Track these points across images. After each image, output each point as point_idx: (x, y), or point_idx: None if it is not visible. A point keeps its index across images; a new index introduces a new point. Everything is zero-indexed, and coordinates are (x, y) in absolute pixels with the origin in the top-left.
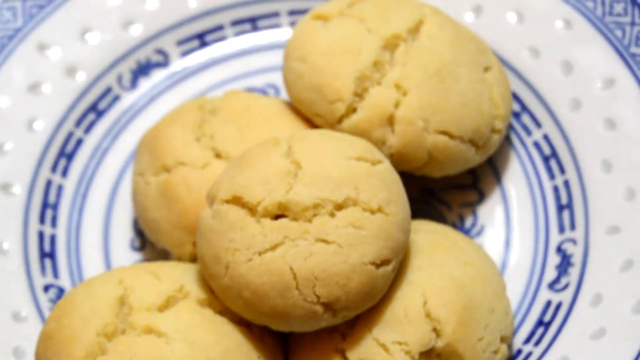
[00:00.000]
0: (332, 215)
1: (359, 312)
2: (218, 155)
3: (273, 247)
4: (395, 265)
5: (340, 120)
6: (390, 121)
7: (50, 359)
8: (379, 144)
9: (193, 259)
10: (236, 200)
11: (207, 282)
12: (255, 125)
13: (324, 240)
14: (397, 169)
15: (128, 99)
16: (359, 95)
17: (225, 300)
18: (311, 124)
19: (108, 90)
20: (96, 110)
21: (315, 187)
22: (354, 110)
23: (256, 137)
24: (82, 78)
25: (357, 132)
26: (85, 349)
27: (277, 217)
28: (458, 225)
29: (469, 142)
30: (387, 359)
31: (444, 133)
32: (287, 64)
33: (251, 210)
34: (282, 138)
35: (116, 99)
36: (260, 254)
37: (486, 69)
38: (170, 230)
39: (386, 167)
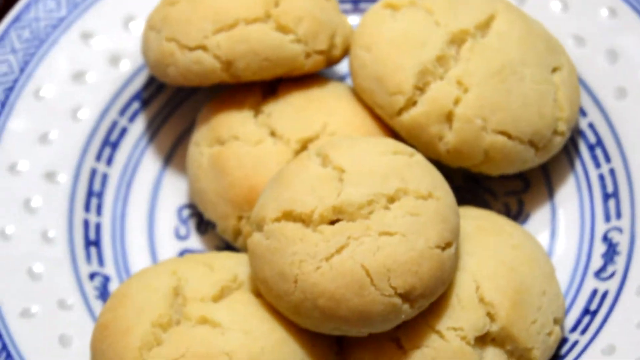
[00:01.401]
0: (386, 208)
1: (433, 299)
2: (273, 134)
3: (339, 250)
4: (457, 247)
5: (399, 112)
6: (449, 117)
7: (106, 349)
8: (436, 139)
9: (236, 232)
10: (288, 216)
11: (273, 305)
12: (314, 108)
13: (387, 233)
14: (453, 166)
15: (172, 87)
16: (420, 89)
17: (297, 317)
18: (371, 112)
19: (152, 79)
20: (140, 99)
21: (364, 185)
22: (414, 103)
23: (313, 119)
24: (126, 67)
25: (415, 126)
26: (140, 339)
27: (332, 222)
28: (503, 213)
29: (528, 143)
30: (443, 345)
31: (502, 133)
32: (353, 51)
33: (305, 221)
34: (312, 150)
35: (160, 87)
36: (327, 259)
37: (554, 70)
38: (216, 202)
39: (421, 157)
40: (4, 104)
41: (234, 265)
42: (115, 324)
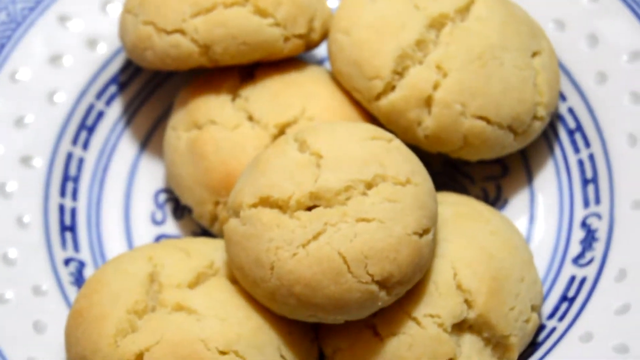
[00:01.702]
0: (364, 194)
1: (411, 287)
2: (250, 118)
3: (315, 236)
4: (435, 234)
5: (377, 97)
6: (428, 102)
7: (80, 336)
8: (415, 124)
9: (213, 218)
10: (264, 202)
11: (249, 291)
12: (291, 92)
13: (364, 219)
14: (432, 151)
15: (149, 71)
16: (399, 73)
17: (273, 304)
18: (349, 96)
19: (129, 62)
20: (117, 83)
21: (342, 171)
22: (393, 88)
23: (291, 104)
24: (103, 50)
25: (394, 111)
26: (115, 326)
27: (309, 208)
28: (481, 199)
29: (507, 128)
30: (420, 333)
31: (481, 118)
32: (331, 35)
33: (282, 207)
34: (289, 135)
35: (137, 71)
36: (304, 246)
37: (534, 54)
38: (193, 187)
39: (400, 142)
40: None
41: (210, 251)
42: (90, 310)
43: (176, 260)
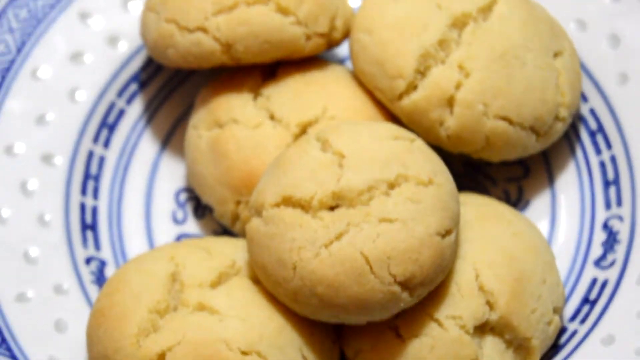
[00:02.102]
0: (387, 194)
1: (433, 288)
2: (272, 117)
3: (338, 237)
4: (457, 235)
5: (400, 96)
6: (450, 102)
7: (102, 335)
8: (437, 124)
9: (234, 217)
10: (287, 201)
11: (271, 291)
12: (312, 91)
13: (387, 220)
14: (454, 151)
15: (170, 68)
16: (422, 72)
17: (295, 304)
18: (371, 96)
19: (150, 60)
20: (138, 81)
21: (365, 171)
22: (415, 87)
23: (313, 103)
24: (124, 48)
25: (416, 111)
26: (137, 325)
27: (332, 208)
28: (503, 200)
29: (530, 129)
30: (442, 334)
31: (503, 118)
32: (353, 34)
33: (304, 207)
34: (311, 135)
35: (159, 69)
36: (326, 246)
37: (556, 55)
38: (214, 186)
39: (422, 143)
40: (0, 85)
41: (232, 250)
42: (112, 309)
43: (198, 260)
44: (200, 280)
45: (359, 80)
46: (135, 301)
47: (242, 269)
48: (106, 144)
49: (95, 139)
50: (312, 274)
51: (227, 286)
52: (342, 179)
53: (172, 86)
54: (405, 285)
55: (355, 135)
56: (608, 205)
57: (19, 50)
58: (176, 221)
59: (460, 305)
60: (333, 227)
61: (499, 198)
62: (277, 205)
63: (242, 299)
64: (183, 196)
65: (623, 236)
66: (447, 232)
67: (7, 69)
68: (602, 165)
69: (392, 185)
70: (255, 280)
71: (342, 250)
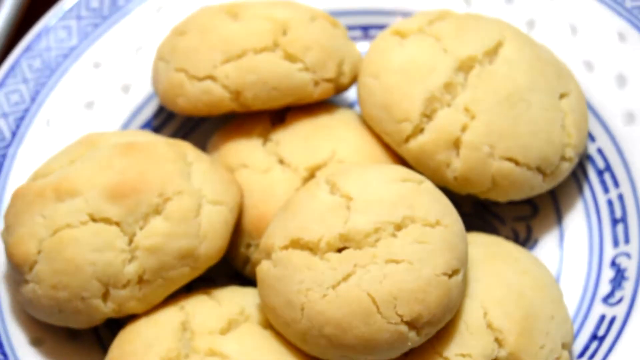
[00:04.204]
0: (394, 236)
1: (441, 327)
2: (281, 162)
3: (345, 278)
4: (464, 274)
5: (406, 139)
6: (456, 144)
7: None
8: (444, 166)
9: (244, 260)
10: (295, 244)
11: (281, 332)
12: (321, 136)
13: (393, 261)
14: (461, 192)
15: (182, 116)
16: (428, 116)
17: (305, 345)
18: (379, 139)
19: (162, 108)
20: (151, 128)
21: (372, 213)
22: (422, 130)
23: (321, 147)
24: (136, 95)
25: (423, 153)
26: None
27: (339, 250)
28: (512, 239)
29: (536, 169)
30: None
31: (509, 159)
32: (360, 79)
33: (312, 249)
34: (320, 178)
35: (170, 116)
36: (334, 287)
37: (562, 96)
38: None
39: (430, 184)
40: (15, 133)
41: (240, 298)
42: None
43: (207, 309)
44: (210, 328)
45: (367, 124)
46: (147, 350)
47: (251, 315)
48: None
49: None
50: (320, 314)
51: (237, 332)
52: (350, 221)
53: (184, 133)
54: (412, 324)
55: (363, 178)
56: (616, 243)
57: (32, 100)
58: None
59: (470, 343)
60: (340, 268)
61: (508, 237)
62: (286, 247)
63: (252, 344)
64: None
65: (631, 273)
66: (454, 272)
67: (22, 118)
68: (610, 203)
69: (399, 227)
70: (265, 326)
71: (349, 291)
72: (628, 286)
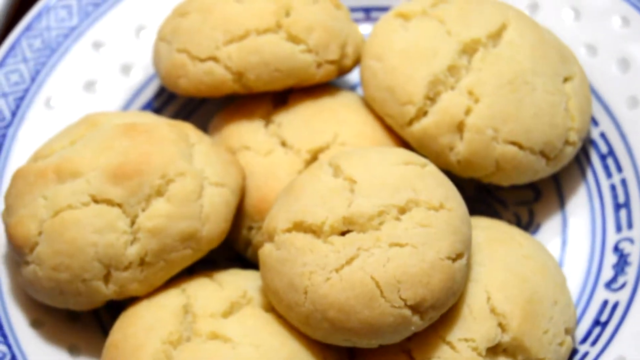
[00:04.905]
0: (397, 219)
1: (444, 311)
2: (283, 144)
3: (349, 261)
4: (468, 258)
5: (410, 122)
6: (460, 128)
7: None
8: (447, 149)
9: (246, 243)
10: (298, 227)
11: (284, 315)
12: (323, 118)
13: (397, 244)
14: (464, 176)
15: (183, 97)
16: (431, 99)
17: (307, 328)
18: (381, 121)
19: (163, 89)
20: (151, 109)
21: (375, 196)
22: (425, 113)
23: (323, 129)
24: (137, 76)
25: (426, 136)
26: (151, 357)
27: (343, 233)
28: (514, 223)
29: (540, 153)
30: (455, 357)
31: (513, 143)
32: (364, 61)
33: (316, 232)
34: (323, 161)
35: (171, 97)
36: (337, 270)
37: (566, 79)
38: None
39: (434, 167)
40: (14, 113)
41: (242, 281)
42: (125, 343)
43: (209, 292)
44: (212, 311)
45: (370, 106)
46: (148, 333)
47: (253, 298)
48: None
49: None
50: (323, 298)
51: (239, 315)
52: (353, 204)
53: (185, 114)
54: (415, 308)
55: (366, 161)
56: (619, 228)
57: (32, 80)
58: None
59: (473, 327)
60: (344, 251)
61: (510, 221)
62: (289, 230)
63: (255, 327)
64: None
65: (634, 258)
66: (458, 256)
67: (22, 98)
68: (613, 188)
69: (402, 210)
70: (267, 309)
71: (353, 274)
72: (631, 271)
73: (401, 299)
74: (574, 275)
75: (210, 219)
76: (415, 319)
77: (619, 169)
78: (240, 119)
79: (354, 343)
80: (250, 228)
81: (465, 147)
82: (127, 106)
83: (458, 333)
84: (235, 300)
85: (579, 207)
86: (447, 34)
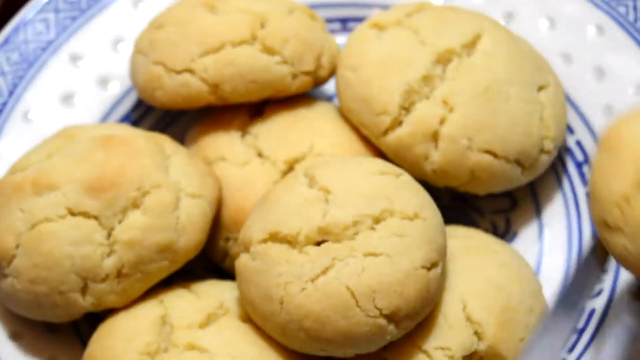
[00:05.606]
0: (372, 229)
1: (419, 320)
2: (260, 155)
3: (324, 271)
4: (443, 267)
5: (385, 132)
6: (435, 137)
7: None
8: (422, 159)
9: (223, 254)
10: (274, 237)
11: (260, 326)
12: (299, 129)
13: (372, 254)
14: (440, 185)
15: (161, 109)
16: (406, 108)
17: (284, 338)
18: (357, 132)
19: (141, 101)
20: (129, 121)
21: (350, 206)
22: (400, 123)
23: (299, 140)
24: (115, 89)
25: (401, 146)
26: None
27: (318, 243)
28: (491, 232)
29: (515, 162)
30: None
31: (488, 152)
32: (339, 72)
33: (291, 242)
34: (298, 171)
35: (149, 109)
36: (312, 280)
37: (541, 88)
38: None
39: (409, 177)
40: None
41: (219, 292)
42: (103, 354)
43: (186, 303)
44: (190, 322)
45: (345, 117)
46: (126, 345)
47: (230, 309)
48: None
49: None
50: (299, 308)
51: (216, 326)
52: (328, 214)
53: (162, 126)
54: (391, 318)
55: (341, 171)
56: (595, 236)
57: (10, 93)
58: None
59: (448, 336)
60: (319, 261)
61: (487, 230)
62: (265, 241)
63: (232, 338)
64: None
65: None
66: (433, 265)
67: None
68: (589, 196)
69: (377, 220)
70: (245, 320)
71: (328, 284)
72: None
73: (376, 308)
74: (551, 283)
75: (187, 230)
76: (391, 328)
77: None
78: (216, 131)
79: (330, 353)
80: (228, 239)
81: (440, 157)
82: (105, 119)
83: (434, 342)
84: (212, 311)
85: (556, 215)
86: (422, 43)
